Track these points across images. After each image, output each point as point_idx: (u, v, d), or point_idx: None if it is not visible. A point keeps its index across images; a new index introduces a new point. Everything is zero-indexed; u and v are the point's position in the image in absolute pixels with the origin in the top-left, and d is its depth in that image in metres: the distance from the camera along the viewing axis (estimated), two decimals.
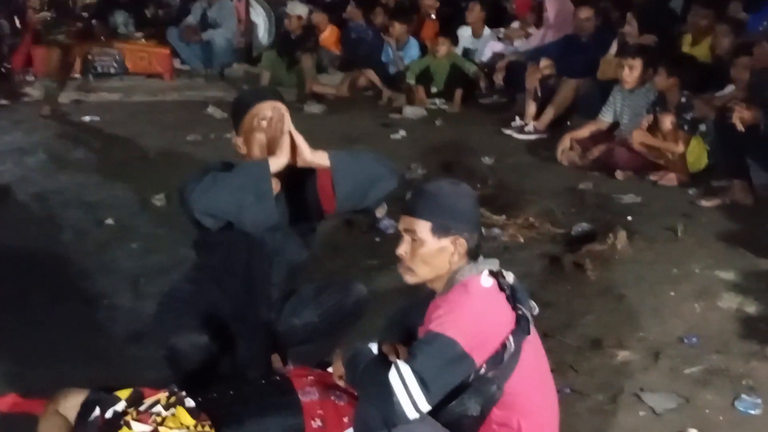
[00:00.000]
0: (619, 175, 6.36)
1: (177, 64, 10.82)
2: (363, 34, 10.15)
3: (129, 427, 2.71)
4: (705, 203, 5.71)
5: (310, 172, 3.06)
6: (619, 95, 6.78)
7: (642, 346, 3.84)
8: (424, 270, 2.58)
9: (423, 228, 2.55)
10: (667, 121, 6.16)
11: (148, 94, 9.44)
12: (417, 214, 2.57)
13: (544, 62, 8.02)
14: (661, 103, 6.30)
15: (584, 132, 6.88)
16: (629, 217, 5.45)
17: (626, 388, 3.49)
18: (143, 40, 10.70)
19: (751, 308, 4.16)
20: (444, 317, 2.42)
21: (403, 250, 2.59)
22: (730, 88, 6.28)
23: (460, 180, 2.75)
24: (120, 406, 2.82)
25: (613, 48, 7.57)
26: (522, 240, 5.11)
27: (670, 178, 6.19)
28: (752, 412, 3.30)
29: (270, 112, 3.03)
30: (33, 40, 10.11)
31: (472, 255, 2.57)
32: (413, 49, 9.59)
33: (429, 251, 2.55)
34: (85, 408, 2.84)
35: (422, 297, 2.71)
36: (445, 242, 2.53)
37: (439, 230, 2.53)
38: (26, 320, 4.06)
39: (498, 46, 9.35)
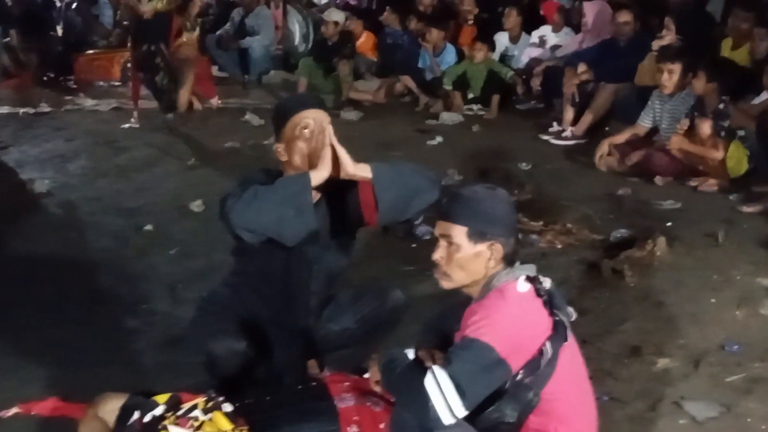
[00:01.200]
0: (658, 180, 6.29)
1: (215, 71, 10.91)
2: (399, 40, 10.16)
3: (167, 431, 2.73)
4: (746, 209, 5.63)
5: (350, 183, 3.05)
6: (658, 100, 6.71)
7: (682, 353, 3.79)
8: (460, 275, 2.57)
9: (459, 233, 2.54)
10: (706, 127, 6.08)
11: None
12: (453, 219, 2.56)
13: (581, 67, 7.96)
14: (699, 108, 6.23)
15: (623, 137, 6.81)
16: (669, 223, 5.39)
17: (666, 395, 3.45)
18: None
19: None
20: (480, 323, 2.40)
21: (439, 255, 2.58)
22: (765, 95, 6.19)
23: (496, 185, 2.73)
24: (158, 411, 2.84)
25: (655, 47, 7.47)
26: (560, 246, 5.08)
27: (710, 184, 6.11)
28: None
29: (312, 121, 3.03)
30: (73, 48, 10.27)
31: (509, 260, 2.55)
32: (450, 54, 9.57)
33: (465, 256, 2.54)
34: (124, 412, 2.87)
35: (458, 302, 2.69)
36: (482, 247, 2.52)
37: (476, 235, 2.52)
38: (66, 325, 4.12)
39: (535, 52, 9.31)
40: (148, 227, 5.48)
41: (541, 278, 2.56)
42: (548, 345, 2.45)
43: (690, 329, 4.01)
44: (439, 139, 7.78)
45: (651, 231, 5.03)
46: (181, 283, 4.59)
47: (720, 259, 4.81)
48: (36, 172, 6.69)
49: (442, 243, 2.58)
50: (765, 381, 3.52)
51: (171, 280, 4.65)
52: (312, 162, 2.98)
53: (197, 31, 7.65)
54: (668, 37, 7.36)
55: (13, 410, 3.32)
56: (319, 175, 2.92)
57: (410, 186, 3.00)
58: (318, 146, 2.96)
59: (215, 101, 9.17)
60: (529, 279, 2.53)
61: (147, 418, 2.82)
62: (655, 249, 4.79)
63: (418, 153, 6.87)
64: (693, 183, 6.20)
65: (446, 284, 2.61)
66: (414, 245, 5.09)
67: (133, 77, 8.39)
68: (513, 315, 2.44)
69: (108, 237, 5.35)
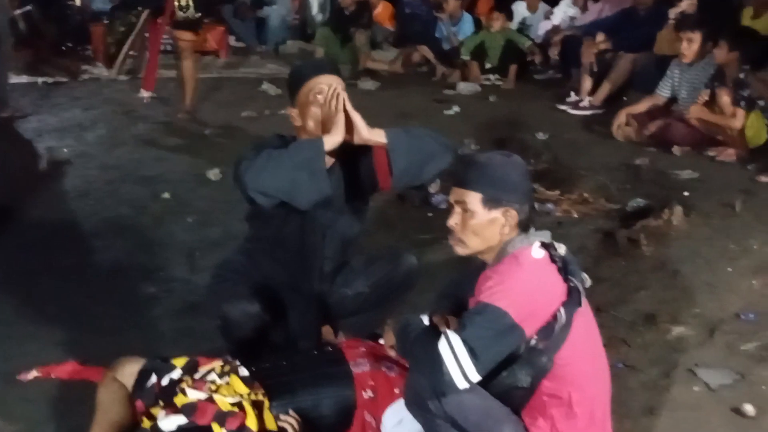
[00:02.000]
0: (676, 150, 6.27)
1: (232, 41, 10.89)
2: (417, 10, 10.13)
3: (184, 393, 2.76)
4: (764, 179, 5.60)
5: (365, 148, 3.06)
6: (677, 69, 6.67)
7: (697, 321, 3.80)
8: (474, 241, 2.57)
9: (474, 199, 2.53)
10: (725, 97, 6.04)
11: (203, 71, 9.49)
12: (468, 186, 2.55)
13: (600, 37, 7.93)
14: (719, 78, 6.18)
15: (641, 107, 6.79)
16: (686, 193, 5.38)
17: (680, 363, 3.46)
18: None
19: None
20: (494, 288, 2.41)
21: (453, 221, 2.59)
22: None
23: (512, 153, 2.72)
24: (176, 374, 2.87)
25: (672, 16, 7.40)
26: (576, 215, 5.08)
27: (729, 154, 6.10)
28: None
29: (326, 86, 3.03)
30: (90, 18, 10.25)
31: (523, 227, 2.55)
32: (467, 24, 9.53)
33: (479, 223, 2.53)
34: (142, 375, 2.90)
35: (473, 269, 2.70)
36: (496, 213, 2.52)
37: (490, 201, 2.52)
38: (85, 291, 4.16)
39: (554, 20, 9.25)
40: (166, 195, 5.50)
41: (556, 245, 2.56)
42: (562, 310, 2.45)
43: (706, 298, 4.01)
44: (456, 108, 7.77)
45: (668, 201, 5.03)
46: (198, 250, 4.61)
47: (737, 228, 4.81)
48: (54, 141, 6.72)
49: (457, 209, 2.57)
50: None
51: (188, 247, 4.68)
52: (325, 127, 2.98)
53: (191, 10, 7.12)
54: (685, 3, 7.29)
55: (33, 373, 3.36)
56: (332, 140, 2.92)
57: (424, 151, 3.00)
58: (332, 111, 2.96)
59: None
60: (543, 245, 2.52)
61: (164, 382, 2.85)
62: (671, 218, 4.80)
63: (435, 123, 6.86)
64: (711, 153, 6.18)
65: (461, 251, 2.61)
66: (430, 214, 5.10)
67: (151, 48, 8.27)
68: (527, 280, 2.45)
69: (126, 205, 5.38)
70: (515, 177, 2.56)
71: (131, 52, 7.86)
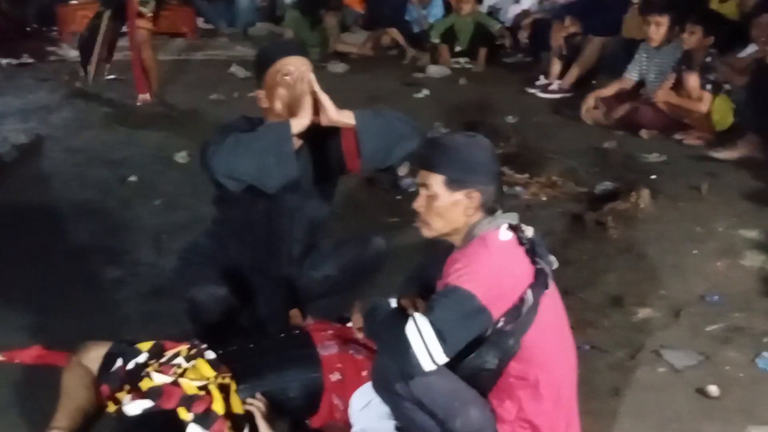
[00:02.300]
0: (643, 133, 6.31)
1: (200, 23, 10.80)
2: None
3: (150, 378, 2.74)
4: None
5: (333, 130, 3.04)
6: (644, 53, 6.70)
7: (663, 303, 3.83)
8: (439, 223, 2.57)
9: (437, 181, 2.53)
10: (692, 80, 6.08)
11: (171, 53, 9.43)
12: (431, 168, 2.55)
13: (569, 20, 7.94)
14: (686, 62, 6.22)
15: (609, 90, 6.81)
16: (653, 176, 5.41)
17: (646, 345, 3.49)
18: None
19: None
20: (462, 270, 2.41)
21: (419, 204, 2.58)
22: (752, 48, 6.18)
23: (477, 134, 2.70)
24: (142, 358, 2.85)
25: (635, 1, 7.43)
26: (544, 198, 5.10)
27: (696, 137, 6.13)
28: None
29: (294, 68, 3.01)
30: None
31: (488, 208, 2.54)
32: (437, 7, 9.51)
33: (443, 205, 2.53)
34: (108, 360, 2.88)
35: (441, 252, 2.70)
36: (459, 195, 2.51)
37: (453, 183, 2.51)
38: (50, 274, 4.12)
39: (520, 7, 9.25)
40: (133, 178, 5.45)
41: (524, 227, 2.56)
42: (529, 293, 2.45)
43: (672, 280, 4.05)
44: (425, 92, 7.77)
45: (635, 184, 5.06)
46: (165, 233, 4.58)
47: (703, 211, 4.85)
48: (19, 123, 6.63)
49: (422, 191, 2.57)
50: (744, 331, 3.57)
51: (155, 231, 4.64)
52: (293, 109, 2.96)
53: (151, 3, 7.09)
54: None
55: None
56: (299, 123, 2.91)
57: (393, 133, 3.00)
58: (299, 93, 2.94)
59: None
60: (511, 227, 2.53)
61: (130, 366, 2.83)
62: (639, 201, 4.83)
63: (405, 106, 6.82)
64: (678, 136, 6.22)
65: (427, 233, 2.61)
66: (399, 197, 5.10)
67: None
68: (495, 263, 2.45)
69: (92, 188, 5.32)
70: (479, 158, 2.55)
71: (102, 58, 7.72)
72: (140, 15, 7.06)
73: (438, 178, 2.53)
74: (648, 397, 3.14)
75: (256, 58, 3.18)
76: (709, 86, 6.07)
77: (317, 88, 2.93)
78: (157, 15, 7.31)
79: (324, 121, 2.95)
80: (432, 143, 2.65)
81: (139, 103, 7.26)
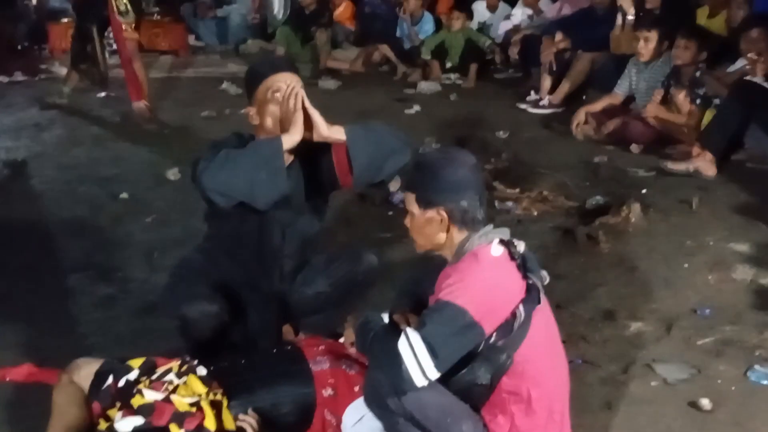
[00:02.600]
0: (634, 148, 6.33)
1: (192, 40, 10.83)
2: (378, 9, 10.14)
3: (141, 395, 2.72)
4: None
5: (324, 146, 3.05)
6: (634, 68, 6.73)
7: (655, 317, 3.83)
8: (421, 240, 2.61)
9: (411, 200, 2.57)
10: (681, 95, 6.12)
11: (162, 71, 9.45)
12: (406, 187, 2.62)
13: (559, 36, 7.98)
14: (675, 77, 6.26)
15: (599, 105, 6.84)
16: (644, 190, 5.43)
17: (638, 358, 3.49)
18: (158, 16, 10.68)
19: (765, 280, 4.13)
20: (454, 286, 2.41)
21: (406, 221, 2.63)
22: (741, 63, 6.22)
23: (472, 153, 2.67)
24: (133, 375, 2.83)
25: (618, 21, 7.46)
26: (535, 213, 5.11)
27: (686, 152, 6.15)
28: (764, 382, 3.28)
29: (284, 84, 3.02)
30: (48, 16, 10.12)
31: (466, 223, 2.52)
32: (428, 23, 9.56)
33: (418, 222, 2.57)
34: (99, 377, 2.85)
35: (433, 267, 2.70)
36: (431, 213, 2.53)
37: (423, 202, 2.54)
38: (41, 292, 4.11)
39: (510, 25, 9.30)
40: (124, 195, 5.45)
41: (515, 242, 2.57)
42: (521, 308, 2.46)
43: (663, 294, 4.05)
44: (416, 107, 7.79)
45: (626, 198, 5.07)
46: (157, 250, 4.57)
47: (694, 225, 4.86)
48: (11, 141, 6.63)
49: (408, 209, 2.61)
50: (735, 344, 3.58)
51: (147, 247, 4.64)
52: (284, 126, 2.97)
53: (131, 15, 7.13)
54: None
55: None
56: (291, 139, 2.92)
57: (384, 147, 3.01)
58: (290, 110, 2.95)
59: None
60: (502, 242, 2.53)
61: (121, 383, 2.81)
62: (629, 215, 4.84)
63: (396, 122, 6.83)
64: (668, 151, 6.24)
65: (417, 248, 2.65)
66: (390, 212, 5.10)
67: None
68: (486, 278, 2.45)
69: (84, 205, 5.32)
70: (447, 176, 2.53)
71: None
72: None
73: (411, 196, 2.57)
74: (640, 411, 3.13)
75: (247, 75, 3.18)
76: (698, 100, 6.10)
77: (308, 104, 2.94)
78: (138, 24, 7.33)
79: (315, 137, 2.95)
80: (413, 163, 2.70)
81: (136, 112, 7.27)
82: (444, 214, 2.52)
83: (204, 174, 2.86)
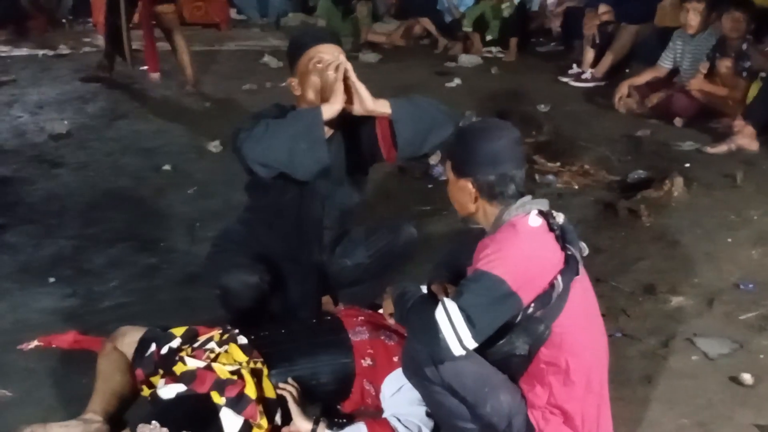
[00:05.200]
0: (677, 122, 6.25)
1: (233, 13, 10.84)
2: None
3: (183, 362, 2.77)
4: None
5: (367, 119, 3.05)
6: (680, 41, 6.63)
7: (696, 291, 3.80)
8: (456, 205, 2.65)
9: (449, 166, 2.62)
10: (725, 67, 6.02)
11: (204, 44, 9.47)
12: (445, 153, 2.69)
13: (602, 8, 7.87)
14: (720, 49, 6.16)
15: (643, 79, 6.76)
16: (687, 164, 5.37)
17: (679, 333, 3.46)
18: None
19: None
20: (491, 256, 2.41)
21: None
22: None
23: (512, 126, 2.64)
24: (175, 343, 2.88)
25: None
26: (576, 187, 5.07)
27: (731, 125, 6.06)
28: None
29: (326, 55, 3.02)
30: None
31: (493, 197, 2.52)
32: None
33: (452, 189, 2.62)
34: (142, 345, 2.91)
35: (471, 238, 2.70)
36: (464, 182, 2.55)
37: (457, 170, 2.57)
38: (86, 261, 4.17)
39: None
40: (167, 167, 5.50)
41: (555, 213, 2.56)
42: (559, 279, 2.45)
43: (705, 268, 4.02)
44: (457, 81, 7.75)
45: (669, 172, 5.02)
46: (198, 221, 4.62)
47: (738, 199, 4.80)
48: (55, 114, 6.71)
49: None
50: None
51: (189, 219, 4.69)
52: (325, 96, 2.97)
53: None
54: None
55: (34, 343, 3.38)
56: (330, 109, 2.91)
57: (427, 120, 2.99)
58: (331, 81, 2.95)
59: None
60: (541, 213, 2.52)
61: (164, 350, 2.87)
62: (672, 189, 4.80)
63: (437, 95, 6.72)
64: (713, 124, 6.15)
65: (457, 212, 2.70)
66: (430, 185, 5.10)
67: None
68: (524, 248, 2.44)
69: (126, 177, 5.38)
70: (481, 149, 2.52)
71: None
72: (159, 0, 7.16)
73: (449, 163, 2.61)
74: (680, 385, 3.12)
75: (289, 46, 3.19)
76: (744, 73, 6.00)
77: (354, 77, 2.93)
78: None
79: (359, 111, 2.95)
80: (455, 131, 2.73)
81: (152, 80, 7.35)
82: (472, 185, 2.53)
83: (244, 144, 2.87)
